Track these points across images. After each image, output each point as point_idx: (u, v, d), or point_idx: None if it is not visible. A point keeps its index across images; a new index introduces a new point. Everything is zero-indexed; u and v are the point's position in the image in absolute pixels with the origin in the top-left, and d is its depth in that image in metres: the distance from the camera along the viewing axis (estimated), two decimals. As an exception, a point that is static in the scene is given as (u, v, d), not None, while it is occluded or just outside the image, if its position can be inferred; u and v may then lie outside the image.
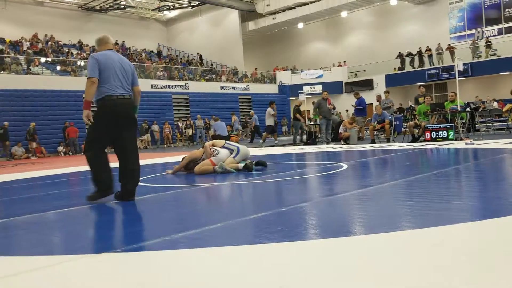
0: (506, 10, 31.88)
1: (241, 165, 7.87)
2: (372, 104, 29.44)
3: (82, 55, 31.05)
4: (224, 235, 3.32)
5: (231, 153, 8.21)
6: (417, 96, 16.54)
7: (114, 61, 5.14)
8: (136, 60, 33.27)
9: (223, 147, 8.35)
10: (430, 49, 32.48)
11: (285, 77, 37.20)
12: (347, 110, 26.04)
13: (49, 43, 32.34)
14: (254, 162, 8.09)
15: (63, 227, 4.21)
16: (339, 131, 16.63)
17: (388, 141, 14.60)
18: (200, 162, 8.19)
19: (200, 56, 38.17)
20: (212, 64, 37.96)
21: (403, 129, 16.14)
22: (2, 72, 24.18)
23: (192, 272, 2.46)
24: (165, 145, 27.70)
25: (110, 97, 5.06)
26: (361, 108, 17.96)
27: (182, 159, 8.55)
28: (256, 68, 39.09)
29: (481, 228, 3.04)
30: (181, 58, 38.99)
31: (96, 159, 5.14)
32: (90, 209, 5.01)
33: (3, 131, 22.05)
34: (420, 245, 2.71)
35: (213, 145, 8.44)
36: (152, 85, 29.41)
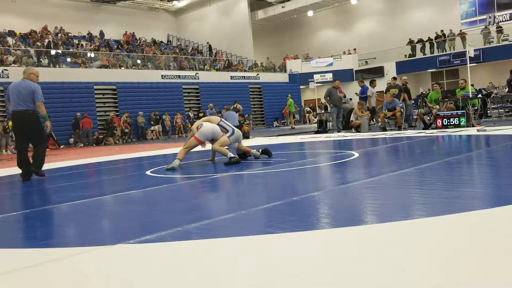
0: (519, -6, 31.47)
1: (230, 154, 7.82)
2: (383, 91, 29.35)
3: (92, 46, 31.10)
4: (237, 225, 3.34)
5: (226, 132, 8.21)
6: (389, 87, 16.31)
7: (15, 88, 7.73)
8: (143, 51, 33.23)
9: (218, 124, 8.33)
10: (444, 35, 32.07)
11: (295, 66, 37.07)
12: (350, 99, 25.82)
13: (59, 35, 32.40)
14: (261, 150, 8.16)
15: (77, 219, 4.25)
16: (350, 119, 16.58)
17: (400, 128, 14.54)
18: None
19: (209, 46, 38.06)
20: (216, 54, 37.87)
21: (414, 117, 16.06)
22: (13, 65, 24.30)
23: (205, 262, 2.48)
24: (177, 135, 27.81)
25: (12, 112, 7.75)
26: (365, 96, 17.80)
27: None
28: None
29: (493, 215, 3.03)
30: (192, 48, 38.90)
31: (18, 154, 7.90)
32: (103, 201, 5.06)
33: (75, 121, 24.02)
34: (433, 233, 2.71)
35: (208, 120, 8.45)
36: (162, 75, 29.41)
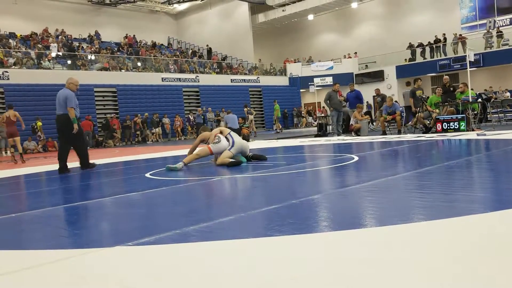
0: (519, -1, 31.50)
1: (229, 161, 7.92)
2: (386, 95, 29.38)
3: (92, 49, 31.11)
4: (235, 228, 3.33)
5: (228, 145, 8.31)
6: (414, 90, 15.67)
7: (57, 95, 9.22)
8: (146, 53, 33.28)
9: (228, 135, 8.46)
10: (445, 38, 32.07)
11: (296, 69, 37.10)
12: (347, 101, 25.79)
13: (60, 37, 32.43)
14: (250, 156, 8.23)
15: (75, 221, 4.25)
16: (350, 123, 16.59)
17: (399, 132, 14.53)
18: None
19: (209, 49, 38.06)
20: (221, 57, 37.92)
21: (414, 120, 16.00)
22: (13, 66, 24.33)
23: (204, 265, 2.47)
24: (177, 138, 27.83)
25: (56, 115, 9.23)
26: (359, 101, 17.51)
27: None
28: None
29: (493, 220, 3.03)
30: (194, 51, 38.90)
31: (58, 151, 9.44)
32: (102, 203, 5.05)
33: (106, 122, 25.74)
34: (432, 237, 2.70)
35: (220, 132, 8.54)
36: (162, 78, 29.45)
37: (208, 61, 35.11)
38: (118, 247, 2.95)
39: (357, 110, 16.31)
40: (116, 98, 26.95)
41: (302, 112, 36.09)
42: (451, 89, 14.95)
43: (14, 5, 33.01)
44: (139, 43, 36.81)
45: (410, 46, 34.27)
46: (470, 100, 13.41)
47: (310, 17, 40.57)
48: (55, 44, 29.13)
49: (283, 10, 38.98)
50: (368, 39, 38.92)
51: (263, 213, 3.74)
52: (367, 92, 27.21)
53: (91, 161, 9.71)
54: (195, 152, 8.42)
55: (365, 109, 17.64)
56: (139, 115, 26.71)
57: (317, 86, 24.43)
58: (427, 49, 33.14)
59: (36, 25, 32.95)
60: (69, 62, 27.53)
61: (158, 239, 3.09)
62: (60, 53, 27.99)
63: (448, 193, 4.01)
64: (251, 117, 25.76)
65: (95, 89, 26.05)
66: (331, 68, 35.75)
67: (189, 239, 3.05)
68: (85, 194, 6.05)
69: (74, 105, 9.13)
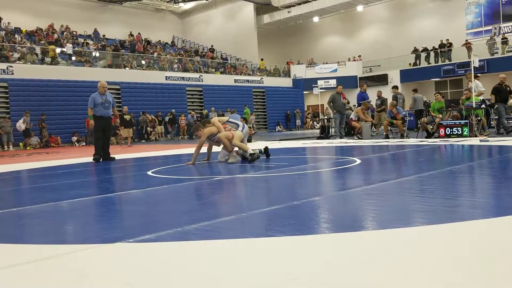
0: (524, 6, 31.42)
1: (250, 150, 8.23)
2: (387, 99, 29.35)
3: (97, 45, 31.12)
4: (237, 227, 3.33)
5: (237, 127, 8.44)
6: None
7: None
8: (151, 52, 33.29)
9: (227, 121, 8.52)
10: (450, 44, 32.01)
11: (299, 71, 37.08)
12: (354, 105, 25.90)
13: (65, 33, 32.45)
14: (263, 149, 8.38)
15: (77, 217, 4.25)
16: (350, 117, 16.57)
17: (402, 136, 14.52)
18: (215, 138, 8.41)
19: (212, 49, 38.01)
20: (224, 57, 37.91)
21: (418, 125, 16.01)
22: (18, 62, 24.36)
23: (204, 264, 2.48)
24: (181, 137, 27.84)
25: None
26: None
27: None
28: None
29: (494, 226, 3.02)
30: (199, 50, 38.89)
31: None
32: (103, 199, 5.06)
33: (172, 117, 27.65)
34: (432, 241, 2.70)
35: (220, 121, 8.59)
36: (166, 77, 29.46)
37: (210, 61, 35.06)
38: (119, 244, 2.96)
39: (361, 107, 16.29)
40: (120, 96, 26.95)
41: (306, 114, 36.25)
42: (508, 88, 14.84)
43: (20, 0, 33.05)
44: (143, 41, 36.84)
45: (415, 50, 34.22)
46: (474, 106, 13.39)
47: (316, 19, 40.54)
48: (70, 45, 29.15)
49: (288, 12, 38.94)
50: (373, 42, 38.87)
51: (264, 214, 3.75)
52: (370, 96, 27.22)
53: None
54: (237, 144, 8.35)
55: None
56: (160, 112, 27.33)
57: (320, 88, 24.45)
58: (432, 54, 33.08)
59: (42, 20, 32.99)
60: (73, 58, 27.56)
61: (159, 236, 3.09)
62: (65, 49, 27.98)
63: (450, 198, 4.01)
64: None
65: (99, 86, 26.08)
66: (335, 70, 35.74)
67: (190, 237, 3.05)
68: (87, 190, 6.05)
69: (91, 105, 10.65)
